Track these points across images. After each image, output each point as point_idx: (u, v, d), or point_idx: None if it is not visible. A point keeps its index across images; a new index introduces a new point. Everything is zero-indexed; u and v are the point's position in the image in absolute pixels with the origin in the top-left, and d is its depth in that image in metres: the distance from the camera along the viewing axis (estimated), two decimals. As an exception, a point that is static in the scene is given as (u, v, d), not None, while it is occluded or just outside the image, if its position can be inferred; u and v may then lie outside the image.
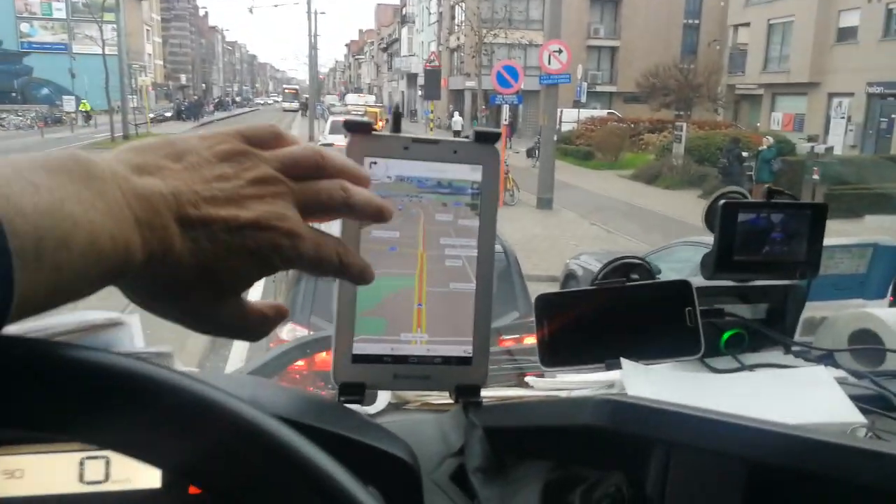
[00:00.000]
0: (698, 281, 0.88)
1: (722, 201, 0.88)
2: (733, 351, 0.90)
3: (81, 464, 0.54)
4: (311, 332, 3.25)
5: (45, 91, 50.54)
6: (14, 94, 48.44)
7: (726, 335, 0.92)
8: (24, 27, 52.50)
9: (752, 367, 0.86)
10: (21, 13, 52.37)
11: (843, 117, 24.15)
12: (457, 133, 29.06)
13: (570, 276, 7.14)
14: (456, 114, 32.49)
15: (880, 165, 16.24)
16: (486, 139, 0.59)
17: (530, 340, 1.73)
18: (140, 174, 0.37)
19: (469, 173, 0.59)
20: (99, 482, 0.54)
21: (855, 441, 0.57)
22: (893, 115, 22.73)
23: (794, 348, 0.92)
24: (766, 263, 0.89)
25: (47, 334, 0.57)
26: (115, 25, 31.13)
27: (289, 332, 3.57)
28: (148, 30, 63.82)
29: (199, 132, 0.43)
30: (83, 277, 0.33)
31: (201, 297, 0.40)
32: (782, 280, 0.91)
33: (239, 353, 5.30)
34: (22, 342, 0.34)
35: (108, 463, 0.54)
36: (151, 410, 0.35)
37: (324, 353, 1.17)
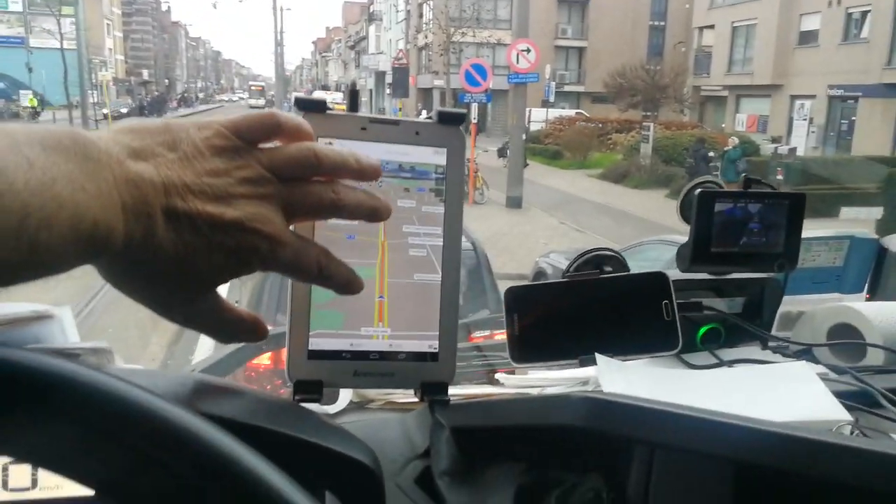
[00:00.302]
0: (674, 274, 0.85)
1: (698, 190, 0.85)
2: (710, 346, 0.87)
3: (5, 469, 0.49)
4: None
5: (0, 85, 49.29)
6: (-31, 89, 47.02)
7: (702, 330, 0.89)
8: (-21, 20, 51.03)
9: (730, 363, 0.83)
10: (-24, 5, 50.91)
11: (805, 119, 24.69)
12: None
13: (539, 275, 7.15)
14: (424, 111, 32.49)
15: (841, 165, 16.62)
16: (451, 120, 0.55)
17: (502, 337, 1.70)
18: (135, 159, 0.37)
19: (433, 157, 0.55)
20: (25, 489, 0.49)
21: (844, 439, 0.53)
22: (853, 118, 23.29)
23: (772, 343, 0.89)
24: (743, 255, 0.86)
25: (-32, 329, 0.52)
26: (73, 19, 30.45)
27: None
28: (108, 24, 62.48)
29: (193, 119, 0.44)
30: (58, 257, 0.33)
31: (175, 286, 0.40)
32: (760, 273, 0.89)
33: (204, 353, 5.18)
34: None
35: (35, 468, 0.49)
36: (59, 414, 0.30)
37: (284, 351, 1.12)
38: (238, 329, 0.46)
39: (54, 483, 0.49)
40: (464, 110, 0.58)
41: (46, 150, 0.32)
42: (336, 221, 0.53)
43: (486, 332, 1.77)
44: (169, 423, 0.32)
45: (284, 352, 1.08)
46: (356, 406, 0.74)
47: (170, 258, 0.38)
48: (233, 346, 1.02)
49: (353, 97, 0.61)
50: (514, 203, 13.95)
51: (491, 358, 1.07)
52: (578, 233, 11.70)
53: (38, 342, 0.55)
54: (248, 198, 0.40)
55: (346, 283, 0.46)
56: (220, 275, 0.41)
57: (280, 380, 1.03)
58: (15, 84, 44.94)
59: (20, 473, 0.49)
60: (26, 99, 37.21)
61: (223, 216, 0.39)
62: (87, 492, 0.49)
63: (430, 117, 0.56)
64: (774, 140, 19.62)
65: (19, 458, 0.33)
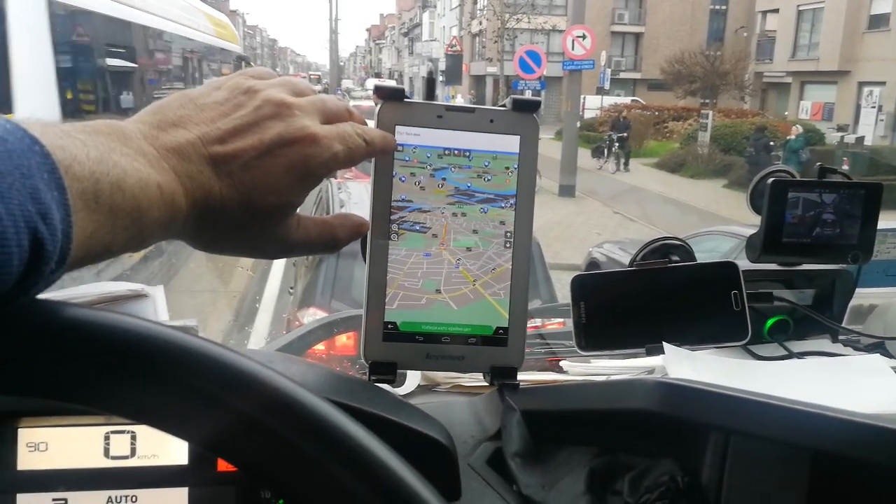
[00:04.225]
0: (743, 264, 0.84)
1: (770, 179, 0.84)
2: (778, 338, 0.86)
3: (106, 438, 0.52)
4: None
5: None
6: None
7: (770, 321, 0.88)
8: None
9: (800, 355, 0.81)
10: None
11: (873, 106, 23.62)
12: None
13: (592, 265, 7.06)
14: (458, 96, 32.38)
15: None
16: (525, 108, 0.56)
17: (553, 326, 1.70)
18: (165, 129, 0.39)
19: (507, 144, 0.56)
20: (125, 457, 0.52)
21: None
22: (926, 105, 22.22)
23: (843, 336, 0.88)
24: (816, 246, 0.84)
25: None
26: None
27: (310, 317, 3.56)
28: (171, 13, 63.94)
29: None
30: (137, 221, 0.35)
31: (254, 225, 0.43)
32: (833, 264, 0.87)
33: (261, 333, 5.32)
34: (44, 306, 0.32)
35: (133, 437, 0.52)
36: (179, 379, 0.32)
37: (344, 337, 1.15)
38: (335, 233, 0.50)
39: (151, 452, 0.52)
40: (538, 98, 0.59)
41: (90, 135, 0.35)
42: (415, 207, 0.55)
43: (542, 321, 1.78)
44: (277, 391, 0.34)
45: (338, 339, 1.10)
46: (424, 389, 0.76)
47: (236, 201, 0.41)
48: (304, 329, 1.05)
49: (430, 85, 0.62)
50: (567, 192, 13.80)
51: (553, 346, 1.08)
52: (633, 223, 11.51)
53: (133, 319, 0.58)
54: (278, 117, 0.42)
55: (384, 140, 0.50)
56: (289, 196, 0.43)
57: (348, 363, 1.06)
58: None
59: (120, 442, 0.52)
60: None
61: (262, 140, 0.41)
62: (181, 460, 0.53)
63: (503, 105, 0.57)
64: (841, 128, 18.87)
65: (130, 416, 0.35)
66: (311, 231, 0.48)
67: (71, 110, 4.22)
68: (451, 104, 0.57)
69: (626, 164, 18.48)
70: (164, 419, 0.34)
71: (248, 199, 0.41)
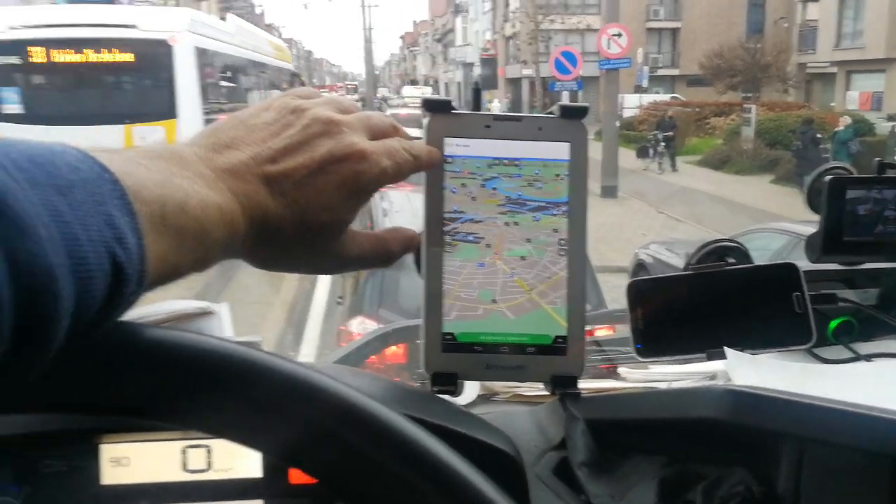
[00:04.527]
0: (803, 264, 0.82)
1: (828, 177, 0.82)
2: (843, 340, 0.84)
3: (184, 452, 0.54)
4: (380, 325, 3.28)
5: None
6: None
7: (834, 323, 0.85)
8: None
9: (868, 357, 0.79)
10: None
11: (924, 93, 22.85)
12: None
13: (639, 266, 6.95)
14: (494, 100, 32.41)
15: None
16: (573, 114, 0.56)
17: (602, 332, 1.68)
18: (220, 151, 0.41)
19: (556, 151, 0.56)
20: (201, 471, 0.54)
21: None
22: (981, 90, 21.37)
23: (912, 336, 0.85)
24: (878, 244, 0.82)
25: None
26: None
27: (358, 325, 3.60)
28: (211, 31, 65.45)
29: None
30: (201, 242, 0.36)
31: (312, 242, 0.44)
32: (896, 262, 0.84)
33: (311, 346, 5.39)
34: (123, 328, 0.33)
35: (209, 451, 0.54)
36: (254, 395, 0.33)
37: (394, 346, 1.16)
38: (389, 247, 0.51)
39: (226, 465, 0.54)
40: (586, 105, 0.59)
41: (152, 160, 0.36)
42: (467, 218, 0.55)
43: (589, 328, 1.76)
44: (350, 403, 0.35)
45: (388, 349, 1.11)
46: (483, 399, 0.76)
47: (290, 219, 0.42)
48: (360, 341, 1.07)
49: (476, 96, 0.63)
50: (610, 192, 13.66)
51: (609, 352, 1.07)
52: (678, 222, 11.33)
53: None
54: (326, 135, 0.43)
55: (430, 155, 0.51)
56: (342, 212, 0.45)
57: (406, 372, 1.07)
58: None
59: (197, 456, 0.54)
60: None
61: (313, 157, 0.42)
62: (255, 473, 0.54)
63: (551, 112, 0.57)
64: (892, 118, 18.24)
65: (208, 431, 0.36)
66: (364, 246, 0.49)
67: (207, 112, 7.92)
68: (499, 114, 0.57)
69: (674, 164, 18.02)
70: (241, 433, 0.35)
71: (302, 216, 0.42)
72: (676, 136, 18.52)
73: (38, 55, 8.09)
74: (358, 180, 0.44)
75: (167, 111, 8.05)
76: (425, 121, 0.55)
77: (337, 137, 0.44)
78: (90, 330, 0.30)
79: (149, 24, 8.45)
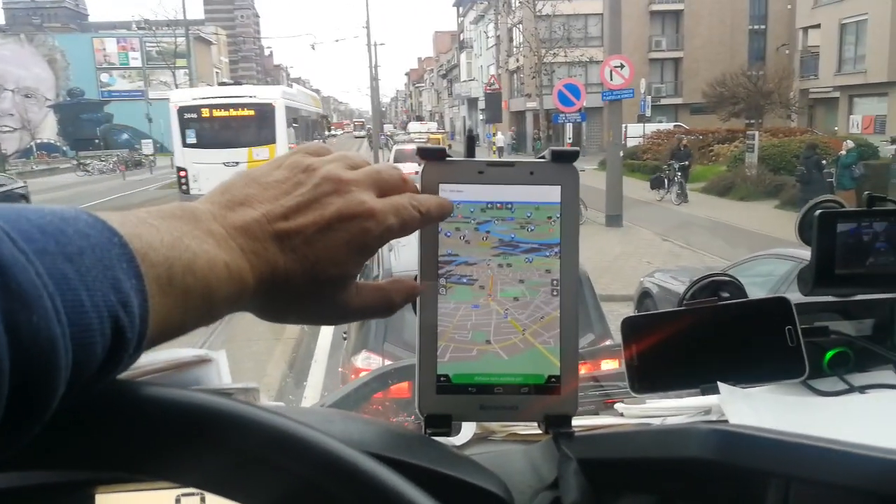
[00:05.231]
0: (796, 297, 0.83)
1: (818, 211, 0.83)
2: (838, 371, 0.84)
3: (178, 501, 0.54)
4: (386, 360, 3.26)
5: (124, 136, 53.22)
6: (97, 141, 50.98)
7: (829, 354, 0.86)
8: (104, 77, 55.65)
9: (862, 389, 0.79)
10: (101, 64, 55.59)
11: (928, 116, 22.87)
12: (500, 149, 29.22)
13: (644, 295, 6.94)
14: (499, 133, 32.78)
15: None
16: (564, 158, 0.57)
17: (608, 365, 1.68)
18: (233, 209, 0.42)
19: (548, 194, 0.57)
20: None
21: None
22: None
23: (907, 366, 0.85)
24: (870, 276, 0.83)
25: (139, 372, 0.58)
26: (186, 70, 32.76)
27: (363, 360, 3.59)
28: (217, 72, 66.61)
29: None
30: (207, 301, 0.37)
31: (317, 297, 0.45)
32: (889, 293, 0.85)
33: (316, 384, 5.37)
34: (115, 387, 0.34)
35: (203, 500, 0.54)
36: (241, 449, 0.34)
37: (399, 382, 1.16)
38: (391, 297, 0.51)
39: (220, 512, 0.55)
40: (576, 149, 0.60)
41: (163, 219, 0.37)
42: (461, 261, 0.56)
43: (593, 360, 1.76)
44: (332, 455, 0.36)
45: (406, 385, 1.11)
46: (479, 438, 0.77)
47: (299, 274, 0.43)
48: (358, 382, 1.07)
49: (469, 143, 0.64)
50: (614, 222, 13.67)
51: (607, 388, 1.07)
52: (683, 249, 11.31)
53: (198, 384, 0.60)
54: (336, 193, 0.45)
55: (441, 208, 0.52)
56: (349, 267, 0.46)
57: (404, 412, 1.07)
58: (137, 134, 48.53)
59: (190, 503, 0.54)
60: (147, 147, 40.12)
61: (323, 215, 0.44)
62: (249, 521, 0.55)
63: (543, 157, 0.59)
64: (895, 141, 18.25)
65: (199, 486, 0.37)
66: (367, 297, 0.50)
67: (292, 142, 15.88)
68: (492, 160, 0.59)
69: (684, 195, 17.42)
70: (227, 488, 0.36)
71: (311, 271, 0.43)
72: (691, 165, 18.02)
73: (205, 112, 16.27)
74: (365, 237, 0.45)
75: (271, 140, 16.12)
76: (421, 168, 0.57)
77: (346, 196, 0.45)
78: (85, 389, 0.31)
79: (261, 95, 16.93)
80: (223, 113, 16.22)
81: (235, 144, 15.79)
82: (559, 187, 0.57)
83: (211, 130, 16.25)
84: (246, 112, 16.30)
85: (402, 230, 0.48)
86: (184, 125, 16.23)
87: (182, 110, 16.22)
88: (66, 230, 0.31)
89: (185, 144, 16.20)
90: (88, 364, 0.30)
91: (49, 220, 0.31)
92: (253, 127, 16.27)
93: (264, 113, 16.20)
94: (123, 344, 0.32)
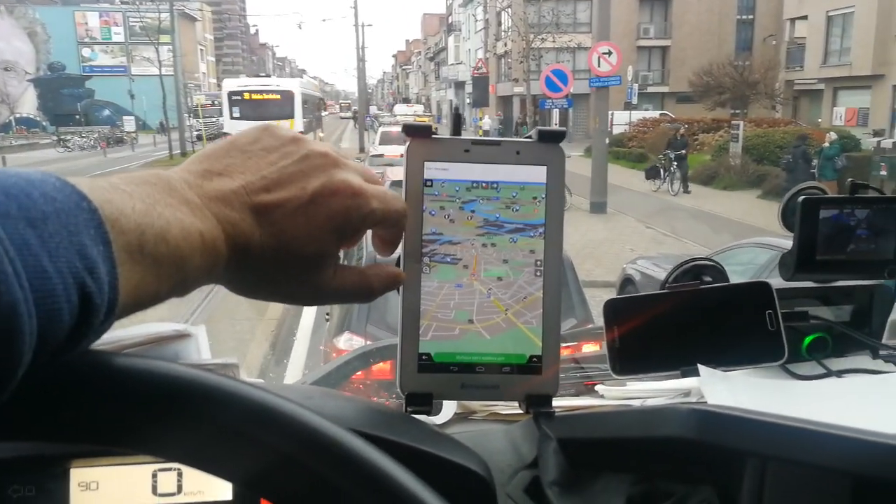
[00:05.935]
0: (777, 282, 0.84)
1: (801, 197, 0.83)
2: (817, 356, 0.85)
3: (154, 476, 0.54)
4: (368, 342, 3.26)
5: (106, 112, 52.61)
6: (77, 117, 50.26)
7: (808, 339, 0.87)
8: (86, 52, 54.83)
9: (839, 373, 0.80)
10: (82, 38, 54.77)
11: (910, 109, 23.12)
12: (486, 133, 29.27)
13: (627, 281, 6.98)
14: (486, 117, 32.85)
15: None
16: (551, 138, 0.57)
17: (589, 348, 1.69)
18: (210, 178, 0.41)
19: (534, 174, 0.57)
20: (171, 494, 0.54)
21: None
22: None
23: (884, 352, 0.86)
24: (850, 262, 0.83)
25: (117, 346, 0.57)
26: (170, 47, 32.45)
27: (346, 342, 3.59)
28: (202, 49, 65.82)
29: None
30: (180, 270, 0.37)
31: (294, 273, 0.44)
32: (868, 280, 0.86)
33: (298, 363, 5.36)
34: (88, 358, 0.33)
35: (180, 475, 0.54)
36: (218, 422, 0.34)
37: (380, 363, 1.16)
38: (371, 283, 0.50)
39: (197, 489, 0.54)
40: (563, 129, 0.60)
41: (139, 186, 0.36)
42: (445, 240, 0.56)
43: (575, 343, 1.77)
44: (312, 430, 0.35)
45: (375, 365, 1.11)
46: (460, 417, 0.77)
47: (275, 248, 0.41)
48: (341, 360, 1.07)
49: (456, 121, 0.64)
50: (599, 208, 13.72)
51: (588, 370, 1.08)
52: (666, 237, 11.39)
53: (178, 358, 0.60)
54: (322, 168, 0.44)
55: (404, 209, 0.51)
56: (327, 245, 0.44)
57: (385, 392, 1.07)
58: (119, 111, 47.97)
59: (167, 480, 0.54)
60: (129, 124, 39.61)
61: (305, 190, 0.42)
62: (225, 496, 0.54)
63: (529, 136, 0.58)
64: (876, 133, 18.45)
65: (176, 460, 0.37)
66: (346, 281, 0.48)
67: (306, 122, 25.53)
68: (478, 138, 0.58)
69: (685, 185, 16.98)
70: (205, 461, 0.35)
71: (287, 246, 0.42)
72: (688, 155, 17.47)
73: (246, 95, 24.29)
74: (347, 215, 0.44)
75: (290, 115, 23.62)
76: (406, 145, 0.56)
77: (332, 171, 0.44)
78: (55, 357, 0.31)
79: (284, 85, 25.77)
80: (258, 96, 24.41)
81: (266, 118, 22.19)
82: (545, 167, 0.57)
83: (249, 108, 23.92)
84: (273, 96, 24.50)
85: (383, 218, 0.47)
86: (231, 104, 24.53)
87: (231, 94, 24.69)
88: (31, 193, 0.30)
89: (231, 117, 24.23)
90: (55, 331, 0.29)
91: (14, 181, 0.30)
92: (278, 106, 23.85)
93: (286, 97, 24.52)
94: (92, 310, 0.31)
